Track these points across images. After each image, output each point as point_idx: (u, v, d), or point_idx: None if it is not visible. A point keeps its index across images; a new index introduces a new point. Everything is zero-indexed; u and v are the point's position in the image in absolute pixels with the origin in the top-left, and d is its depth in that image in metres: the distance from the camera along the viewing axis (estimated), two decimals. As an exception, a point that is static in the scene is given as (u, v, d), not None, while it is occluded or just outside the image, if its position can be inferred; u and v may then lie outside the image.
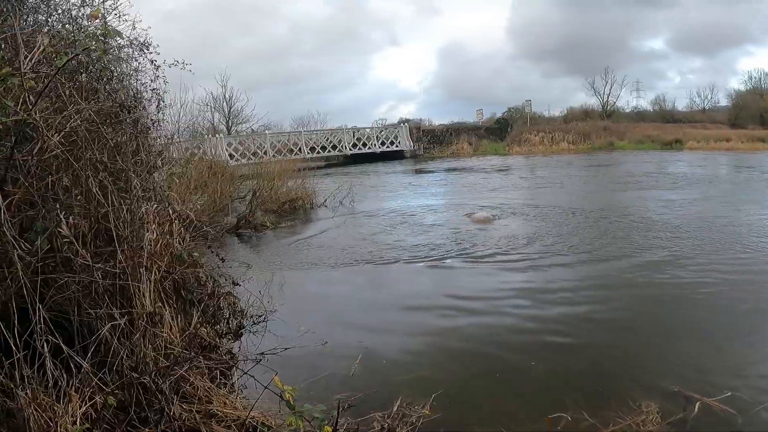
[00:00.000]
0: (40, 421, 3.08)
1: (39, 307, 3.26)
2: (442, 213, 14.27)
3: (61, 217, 3.70)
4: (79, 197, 4.01)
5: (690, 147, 38.31)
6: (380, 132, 39.78)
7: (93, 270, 3.75)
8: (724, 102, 52.56)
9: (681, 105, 53.78)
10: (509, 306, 6.55)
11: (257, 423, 3.86)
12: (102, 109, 4.20)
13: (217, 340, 4.96)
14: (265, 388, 3.62)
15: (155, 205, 4.72)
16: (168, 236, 4.67)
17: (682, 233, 10.05)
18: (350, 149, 36.78)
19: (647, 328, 5.72)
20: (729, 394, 4.04)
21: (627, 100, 56.87)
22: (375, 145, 38.23)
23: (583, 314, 6.17)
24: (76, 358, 3.42)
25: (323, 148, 35.70)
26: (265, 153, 30.25)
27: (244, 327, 5.63)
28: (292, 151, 31.97)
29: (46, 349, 3.28)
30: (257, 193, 13.45)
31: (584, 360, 5.00)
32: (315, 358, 4.93)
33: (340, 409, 3.45)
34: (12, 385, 3.11)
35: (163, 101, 5.36)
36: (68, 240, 3.71)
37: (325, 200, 16.20)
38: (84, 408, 3.23)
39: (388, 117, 57.87)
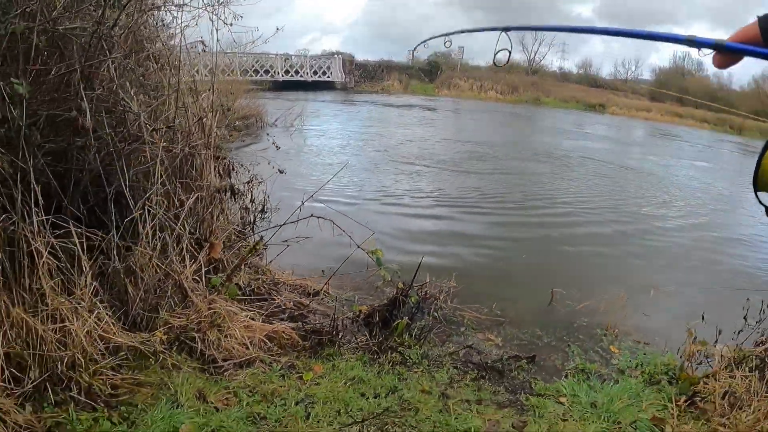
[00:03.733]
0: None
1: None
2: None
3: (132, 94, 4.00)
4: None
5: (612, 112, 40.31)
6: (313, 61, 39.42)
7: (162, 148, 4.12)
8: (646, 76, 54.20)
9: (605, 72, 55.05)
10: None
11: (311, 289, 4.61)
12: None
13: (248, 227, 5.45)
14: (358, 246, 4.27)
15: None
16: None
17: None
18: (282, 75, 36.36)
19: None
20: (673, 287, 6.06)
21: (551, 60, 58.30)
22: (307, 73, 37.91)
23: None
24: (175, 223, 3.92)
25: (255, 71, 35.07)
26: (197, 71, 29.33)
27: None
28: (224, 71, 31.22)
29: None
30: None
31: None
32: (334, 246, 5.23)
33: (418, 269, 4.21)
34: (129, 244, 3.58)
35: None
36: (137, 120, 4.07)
37: (276, 120, 16.58)
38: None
39: (310, 49, 56.91)
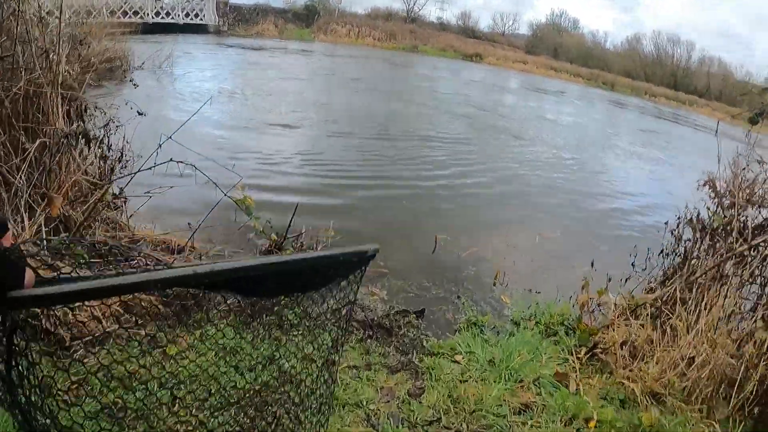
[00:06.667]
0: None
1: None
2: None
3: None
4: None
5: (489, 62, 41.30)
6: (186, 2, 37.03)
7: None
8: (523, 30, 55.97)
9: (483, 25, 56.01)
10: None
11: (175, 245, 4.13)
12: None
13: (105, 178, 4.85)
14: (225, 195, 3.81)
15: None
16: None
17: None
18: (153, 17, 33.89)
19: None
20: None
21: (430, 11, 58.36)
22: (179, 15, 35.67)
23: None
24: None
25: (124, 13, 32.39)
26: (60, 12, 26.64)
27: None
28: (90, 12, 28.58)
29: None
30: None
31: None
32: (201, 199, 4.94)
33: (293, 218, 3.81)
34: None
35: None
36: None
37: (143, 63, 15.39)
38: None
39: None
